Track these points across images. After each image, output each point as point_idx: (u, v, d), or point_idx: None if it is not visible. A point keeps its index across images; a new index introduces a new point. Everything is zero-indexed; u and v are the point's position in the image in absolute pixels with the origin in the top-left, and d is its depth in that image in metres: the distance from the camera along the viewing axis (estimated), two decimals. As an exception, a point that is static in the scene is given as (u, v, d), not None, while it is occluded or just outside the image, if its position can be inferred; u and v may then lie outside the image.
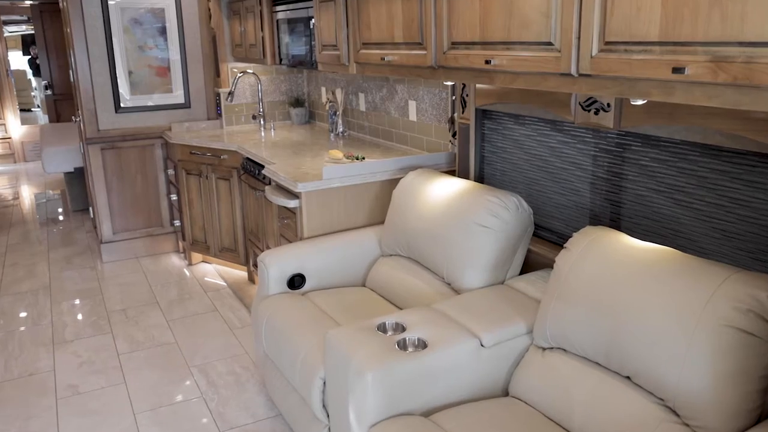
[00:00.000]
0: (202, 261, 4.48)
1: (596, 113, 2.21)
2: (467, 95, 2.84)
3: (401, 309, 2.52)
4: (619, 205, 2.28)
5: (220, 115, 4.54)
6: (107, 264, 4.51)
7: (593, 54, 1.61)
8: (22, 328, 3.51)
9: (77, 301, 3.87)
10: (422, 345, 1.91)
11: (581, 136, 2.38)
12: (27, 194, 6.95)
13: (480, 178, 2.93)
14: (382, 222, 3.01)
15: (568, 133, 2.44)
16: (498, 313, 2.09)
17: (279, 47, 3.76)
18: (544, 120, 2.53)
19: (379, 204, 2.99)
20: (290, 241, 3.03)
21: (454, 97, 2.99)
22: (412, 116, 3.40)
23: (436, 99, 3.18)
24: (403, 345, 1.92)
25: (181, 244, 4.66)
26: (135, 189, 4.55)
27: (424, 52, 2.26)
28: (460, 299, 2.21)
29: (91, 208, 5.12)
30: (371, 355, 1.83)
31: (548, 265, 2.52)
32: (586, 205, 2.42)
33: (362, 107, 3.90)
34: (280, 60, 3.81)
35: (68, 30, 4.35)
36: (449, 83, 2.52)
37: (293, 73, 4.63)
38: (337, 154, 3.18)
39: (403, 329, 2.00)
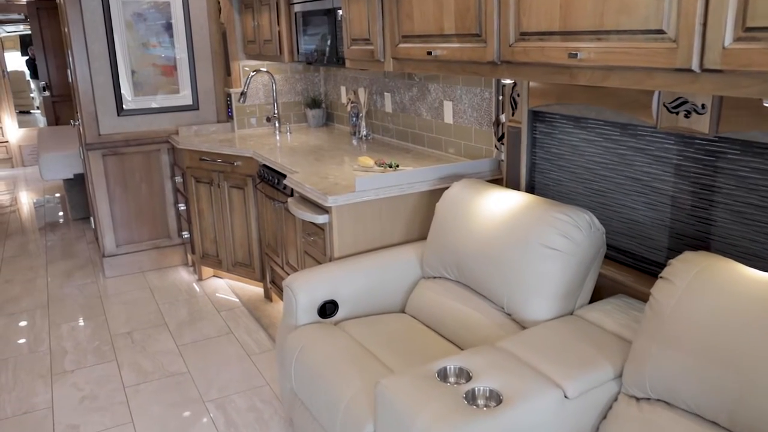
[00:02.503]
0: (213, 275, 4.15)
1: (687, 116, 1.88)
2: (518, 95, 2.50)
3: (452, 342, 2.19)
4: (709, 223, 1.94)
5: (231, 117, 4.21)
6: (110, 279, 4.17)
7: (726, 44, 1.28)
8: (17, 356, 3.18)
9: (78, 323, 3.54)
10: (496, 399, 1.58)
11: (661, 142, 2.05)
12: (25, 200, 6.62)
13: (530, 189, 2.60)
14: (420, 238, 2.68)
15: (643, 139, 2.11)
16: (578, 354, 1.76)
17: (297, 43, 3.43)
18: (612, 123, 2.20)
19: (417, 218, 2.66)
20: (317, 260, 2.70)
21: (501, 97, 2.66)
22: (448, 118, 3.06)
23: (477, 99, 2.84)
24: (472, 398, 1.59)
25: (189, 257, 4.33)
26: (139, 198, 4.22)
27: (482, 45, 1.93)
28: (528, 336, 1.87)
29: (92, 219, 4.78)
30: (439, 414, 1.50)
31: (618, 290, 2.19)
32: (665, 222, 2.09)
33: (388, 108, 3.56)
34: (299, 57, 3.47)
35: (65, 26, 4.02)
36: (507, 81, 2.19)
37: (309, 71, 4.30)
38: (368, 161, 2.85)
39: (469, 376, 1.67)
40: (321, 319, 2.34)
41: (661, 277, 1.67)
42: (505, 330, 2.05)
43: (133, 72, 4.06)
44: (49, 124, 8.25)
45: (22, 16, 10.82)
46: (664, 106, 1.93)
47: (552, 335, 1.87)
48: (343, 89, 4.07)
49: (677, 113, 1.90)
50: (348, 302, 2.37)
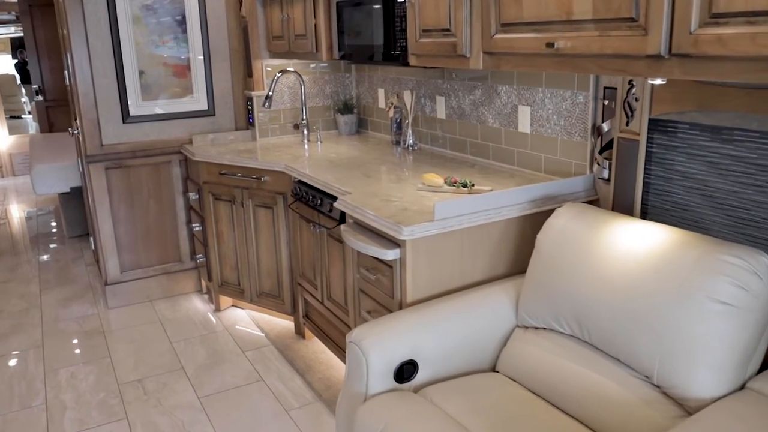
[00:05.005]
0: (232, 305, 3.63)
1: None
2: (636, 99, 2.01)
3: (578, 420, 1.69)
4: None
5: (252, 124, 3.70)
6: (114, 310, 3.64)
7: None
8: (7, 414, 2.65)
9: (79, 368, 3.01)
10: None
11: None
12: (17, 214, 6.07)
13: (643, 214, 2.11)
14: (506, 275, 2.19)
15: (825, 155, 1.62)
16: (791, 459, 1.27)
17: (341, 37, 2.93)
18: (778, 135, 1.71)
19: (502, 250, 2.16)
20: (379, 303, 2.19)
21: (606, 102, 2.16)
22: (524, 127, 2.57)
23: (567, 104, 2.35)
24: None
25: (204, 283, 3.81)
26: (147, 217, 3.69)
27: (640, 33, 1.43)
28: (710, 426, 1.38)
29: (92, 239, 4.26)
30: None
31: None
32: None
33: (441, 114, 3.06)
34: (340, 54, 2.97)
35: (63, 20, 3.50)
36: (657, 81, 1.70)
37: (340, 71, 3.80)
38: (436, 179, 2.35)
39: (653, 499, 1.17)
40: (397, 385, 1.84)
41: None
42: (656, 409, 1.56)
43: (140, 73, 3.55)
44: (42, 131, 7.70)
45: (13, 17, 10.28)
46: None
47: (741, 425, 1.38)
48: (381, 92, 3.57)
49: None
50: (430, 361, 1.87)
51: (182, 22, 3.58)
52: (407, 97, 3.19)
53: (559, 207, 2.02)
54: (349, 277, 2.42)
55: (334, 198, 2.55)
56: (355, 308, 2.38)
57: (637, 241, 1.70)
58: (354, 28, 2.80)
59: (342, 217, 2.48)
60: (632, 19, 1.44)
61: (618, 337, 1.64)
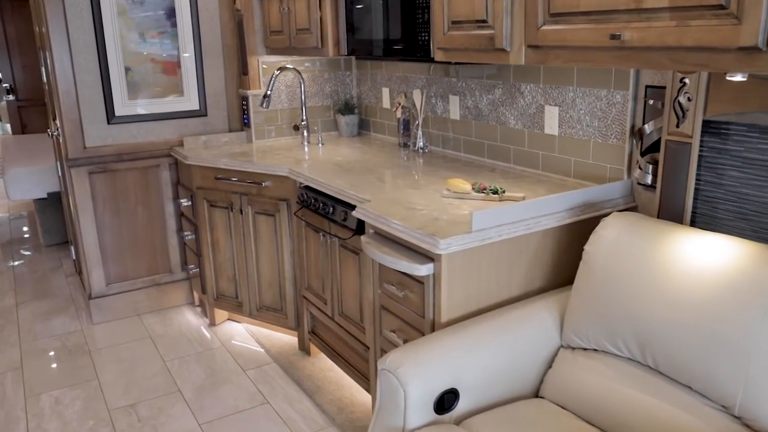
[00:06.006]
0: (228, 319, 3.40)
1: None
2: (689, 98, 1.85)
3: (642, 456, 1.52)
4: None
5: (247, 125, 3.47)
6: (99, 326, 3.38)
7: None
8: (-15, 446, 2.40)
9: (63, 392, 2.75)
10: None
11: None
12: (-15, 220, 5.73)
13: (691, 223, 1.95)
14: (544, 289, 2.01)
15: None
16: None
17: (351, 31, 2.72)
18: None
19: (539, 264, 1.98)
20: (406, 322, 1.99)
21: (651, 101, 2.00)
22: (551, 128, 2.40)
23: (602, 104, 2.18)
24: None
25: (197, 295, 3.57)
26: (135, 225, 3.44)
27: (731, 22, 1.26)
28: (815, 470, 1.21)
29: (72, 248, 3.98)
30: None
31: None
32: None
33: (454, 115, 2.88)
34: (348, 49, 2.77)
35: (41, 13, 3.23)
36: (736, 77, 1.53)
37: (340, 69, 3.59)
38: (462, 185, 2.16)
39: None
40: (437, 416, 1.65)
41: None
42: (740, 445, 1.39)
43: (126, 69, 3.29)
44: (15, 132, 7.31)
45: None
46: None
47: None
48: (385, 91, 3.37)
49: None
50: (471, 389, 1.68)
51: (171, 16, 3.34)
52: (417, 97, 3.00)
53: (602, 216, 1.85)
54: (367, 292, 2.22)
55: (349, 205, 2.34)
56: (375, 326, 2.18)
57: (705, 255, 1.53)
58: (365, 20, 2.60)
59: (359, 227, 2.28)
60: (721, 7, 1.27)
61: (690, 362, 1.47)
